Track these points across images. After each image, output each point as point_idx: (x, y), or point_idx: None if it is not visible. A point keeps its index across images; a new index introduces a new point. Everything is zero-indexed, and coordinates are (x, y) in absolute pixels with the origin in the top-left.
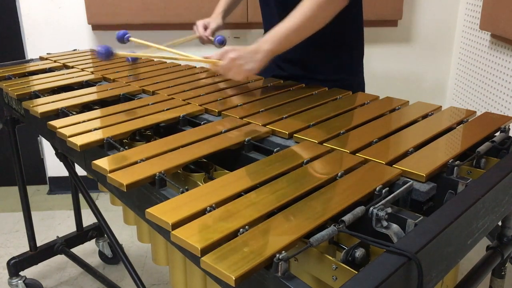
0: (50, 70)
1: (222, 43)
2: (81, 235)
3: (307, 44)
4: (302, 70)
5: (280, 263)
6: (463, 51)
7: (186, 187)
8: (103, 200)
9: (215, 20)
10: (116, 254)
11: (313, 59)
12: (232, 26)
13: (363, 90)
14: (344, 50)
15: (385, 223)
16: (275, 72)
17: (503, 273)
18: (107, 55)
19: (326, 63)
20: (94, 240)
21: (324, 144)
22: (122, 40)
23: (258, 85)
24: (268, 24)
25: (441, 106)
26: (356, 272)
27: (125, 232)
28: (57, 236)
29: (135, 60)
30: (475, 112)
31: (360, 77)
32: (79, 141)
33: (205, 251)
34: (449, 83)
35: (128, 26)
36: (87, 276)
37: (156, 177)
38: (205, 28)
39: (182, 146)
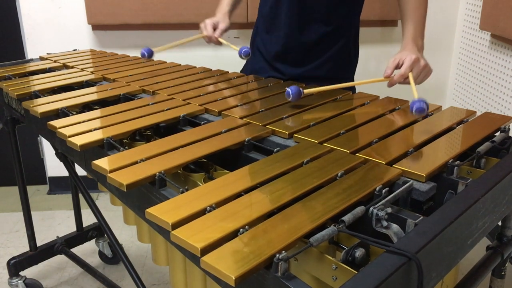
0: (50, 70)
1: (248, 55)
2: (81, 235)
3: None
4: (300, 68)
5: (280, 263)
6: (463, 51)
7: (186, 187)
8: (103, 200)
9: (223, 20)
10: (116, 254)
11: (314, 56)
12: (232, 27)
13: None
14: (345, 47)
15: (385, 223)
16: (270, 73)
17: (503, 273)
18: (150, 54)
19: (327, 61)
20: (94, 240)
21: (324, 144)
22: (150, 55)
23: (258, 85)
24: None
25: (441, 106)
26: (356, 272)
27: (125, 232)
28: (57, 236)
29: (150, 55)
30: (475, 112)
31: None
32: (79, 141)
33: (205, 251)
34: (449, 83)
35: (128, 26)
36: (87, 276)
37: (156, 177)
38: (214, 28)
39: (182, 146)
